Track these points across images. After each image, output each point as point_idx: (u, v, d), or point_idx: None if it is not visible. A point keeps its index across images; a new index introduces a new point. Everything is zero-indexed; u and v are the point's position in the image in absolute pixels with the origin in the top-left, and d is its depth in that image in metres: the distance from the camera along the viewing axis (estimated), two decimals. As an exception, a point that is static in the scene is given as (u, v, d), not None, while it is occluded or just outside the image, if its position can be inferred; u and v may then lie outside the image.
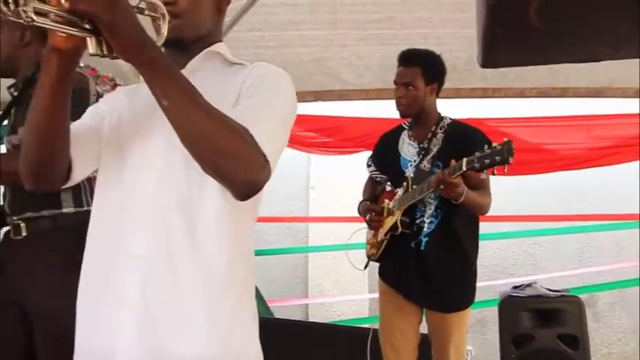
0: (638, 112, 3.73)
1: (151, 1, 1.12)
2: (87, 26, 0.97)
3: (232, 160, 1.09)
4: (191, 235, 1.17)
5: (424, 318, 2.73)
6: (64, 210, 2.07)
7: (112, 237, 1.22)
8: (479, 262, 2.76)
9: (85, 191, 2.07)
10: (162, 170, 1.19)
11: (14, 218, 2.03)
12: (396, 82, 2.67)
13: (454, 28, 3.39)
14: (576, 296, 3.45)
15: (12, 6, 0.88)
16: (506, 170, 2.30)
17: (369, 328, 3.18)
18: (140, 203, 1.19)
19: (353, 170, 4.56)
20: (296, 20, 3.27)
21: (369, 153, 3.11)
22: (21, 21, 0.90)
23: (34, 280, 2.02)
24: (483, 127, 3.54)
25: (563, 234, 4.60)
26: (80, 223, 2.10)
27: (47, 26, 0.95)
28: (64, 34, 0.98)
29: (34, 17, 0.90)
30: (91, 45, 1.00)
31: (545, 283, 3.59)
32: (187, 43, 1.25)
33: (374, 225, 2.78)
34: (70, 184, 1.27)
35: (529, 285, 3.52)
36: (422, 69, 2.62)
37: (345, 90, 4.07)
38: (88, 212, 2.15)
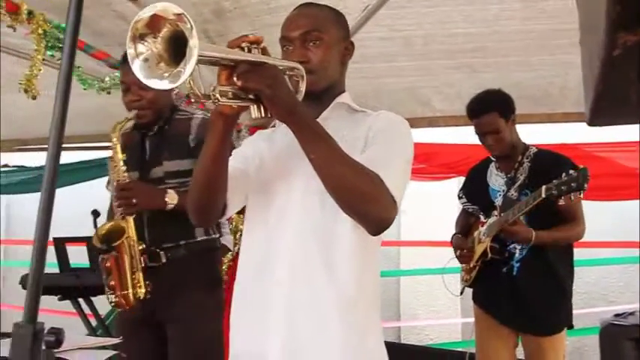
0: None
1: (290, 65, 1.33)
2: (251, 97, 1.20)
3: (368, 203, 1.28)
4: (327, 264, 1.35)
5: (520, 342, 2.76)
6: (198, 239, 2.27)
7: (259, 265, 1.41)
8: (577, 288, 2.77)
9: None
10: (302, 209, 1.38)
11: (152, 248, 2.22)
12: (479, 133, 2.73)
13: (546, 55, 3.41)
14: (681, 325, 3.32)
15: (203, 91, 1.12)
16: (581, 196, 2.40)
17: (465, 352, 3.21)
18: (283, 238, 1.38)
19: (444, 196, 4.63)
20: (390, 53, 3.40)
21: (461, 179, 3.20)
22: (210, 101, 1.14)
23: (173, 301, 2.20)
24: (579, 152, 3.53)
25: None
26: (208, 249, 2.33)
27: (225, 102, 1.18)
28: (232, 103, 1.20)
29: (219, 97, 1.15)
30: (254, 111, 1.22)
31: (650, 312, 3.48)
32: (318, 93, 1.41)
33: (464, 260, 2.88)
34: (224, 219, 1.48)
35: (632, 313, 3.42)
36: (498, 111, 2.68)
37: (435, 117, 4.17)
38: (214, 240, 2.35)
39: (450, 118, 4.11)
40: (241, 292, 1.46)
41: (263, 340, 1.36)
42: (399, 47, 3.37)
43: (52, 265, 3.78)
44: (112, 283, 2.15)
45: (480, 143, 2.82)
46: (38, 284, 0.70)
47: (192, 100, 1.15)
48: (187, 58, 0.99)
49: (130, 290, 2.14)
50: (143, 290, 2.15)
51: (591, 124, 0.70)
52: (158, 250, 2.21)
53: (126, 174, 2.19)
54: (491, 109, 2.68)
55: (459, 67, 3.59)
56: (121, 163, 2.19)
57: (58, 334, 0.70)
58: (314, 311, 1.34)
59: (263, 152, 1.50)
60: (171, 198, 2.14)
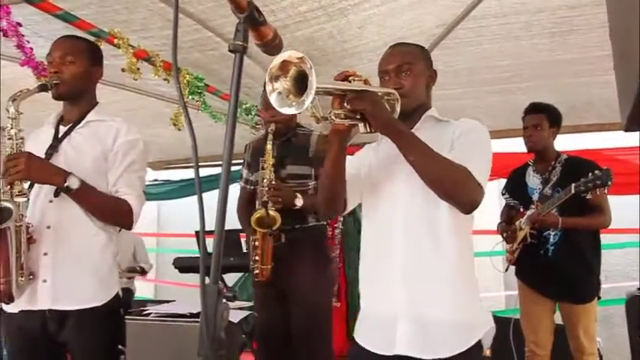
0: None
1: (387, 91, 1.35)
2: (358, 116, 1.24)
3: (460, 189, 1.27)
4: (434, 240, 1.33)
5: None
6: (310, 224, 2.25)
7: (379, 246, 1.41)
8: (604, 267, 2.65)
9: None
10: (408, 200, 1.37)
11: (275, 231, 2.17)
12: (525, 126, 2.71)
13: (570, 79, 3.28)
14: (699, 297, 3.08)
15: (321, 114, 1.18)
16: (605, 191, 2.36)
17: (510, 318, 3.12)
18: (396, 221, 1.37)
19: (488, 193, 4.48)
20: (441, 82, 3.30)
21: (502, 180, 3.13)
22: (329, 122, 1.20)
23: (293, 275, 2.18)
24: (600, 156, 3.35)
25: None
26: (318, 232, 2.31)
27: (338, 121, 1.22)
28: (345, 122, 1.24)
29: (335, 118, 1.20)
30: (362, 127, 1.26)
31: (667, 287, 3.24)
32: (410, 112, 1.41)
33: (509, 240, 2.82)
34: (345, 213, 1.47)
35: (653, 287, 3.21)
36: (546, 115, 2.67)
37: (479, 132, 4.06)
38: (323, 225, 2.34)
39: (491, 132, 3.99)
40: (367, 268, 1.45)
41: (389, 304, 1.35)
42: (449, 78, 3.33)
43: (196, 252, 4.01)
44: (257, 258, 2.16)
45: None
46: (218, 260, 0.76)
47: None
48: (308, 90, 1.02)
49: (268, 266, 2.16)
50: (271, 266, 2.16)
51: (628, 130, 0.70)
52: (279, 232, 2.18)
53: (273, 175, 2.17)
54: (542, 111, 2.69)
55: (497, 92, 3.50)
56: (271, 166, 2.18)
57: (234, 292, 0.76)
58: (427, 277, 1.32)
59: (371, 160, 1.50)
60: (299, 201, 2.15)
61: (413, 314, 1.31)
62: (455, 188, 1.26)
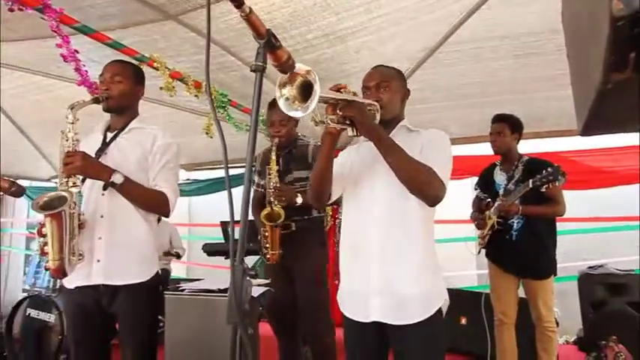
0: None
1: (370, 102, 1.35)
2: (347, 122, 1.23)
3: (426, 186, 1.27)
4: (405, 228, 1.34)
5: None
6: (314, 215, 2.31)
7: (358, 232, 1.40)
8: (560, 249, 2.64)
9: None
10: (385, 194, 1.37)
11: (286, 221, 2.24)
12: (491, 133, 2.70)
13: (530, 94, 3.27)
14: (638, 274, 3.07)
15: (319, 119, 1.17)
16: (557, 185, 2.36)
17: (481, 293, 3.11)
18: (375, 211, 1.37)
19: (460, 189, 4.47)
20: (422, 97, 3.35)
21: (474, 178, 3.12)
22: (323, 124, 1.19)
23: (298, 255, 2.25)
24: (557, 157, 3.33)
25: (626, 230, 4.05)
26: (320, 221, 2.36)
27: (332, 125, 1.22)
28: (336, 126, 1.23)
29: (330, 122, 1.19)
30: (350, 131, 1.25)
31: (613, 266, 3.23)
32: (387, 121, 1.41)
33: (480, 226, 2.81)
34: (328, 203, 1.47)
35: (601, 266, 3.20)
36: (508, 124, 2.66)
37: (453, 138, 4.02)
38: (323, 216, 2.37)
39: (463, 139, 3.96)
40: (347, 249, 1.44)
41: (366, 280, 1.35)
42: (429, 94, 3.33)
43: (220, 239, 4.01)
44: (267, 245, 2.22)
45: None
46: (243, 244, 0.75)
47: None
48: (312, 97, 1.01)
49: (277, 251, 2.21)
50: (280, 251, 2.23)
51: (584, 134, 0.69)
52: (290, 222, 2.25)
53: (277, 179, 2.22)
54: (504, 120, 2.68)
55: (470, 105, 3.49)
56: (275, 172, 2.23)
57: (255, 271, 0.76)
58: (398, 258, 1.32)
59: (353, 160, 1.49)
60: (299, 199, 2.21)
61: (386, 289, 1.31)
62: (423, 184, 1.27)
